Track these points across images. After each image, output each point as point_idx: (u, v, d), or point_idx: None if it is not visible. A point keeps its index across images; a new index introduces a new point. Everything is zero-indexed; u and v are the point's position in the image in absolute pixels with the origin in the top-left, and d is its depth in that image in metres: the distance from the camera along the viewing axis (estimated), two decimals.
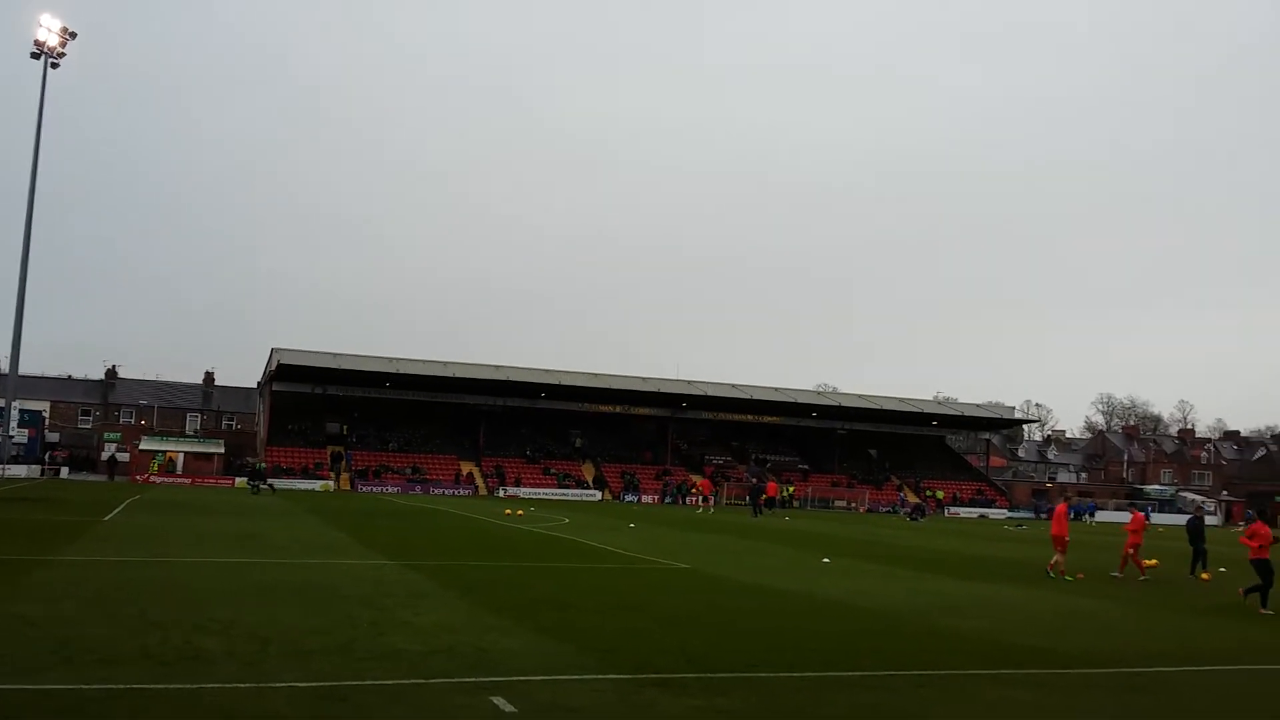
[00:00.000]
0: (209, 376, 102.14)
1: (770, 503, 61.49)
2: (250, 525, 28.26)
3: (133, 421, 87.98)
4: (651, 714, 8.27)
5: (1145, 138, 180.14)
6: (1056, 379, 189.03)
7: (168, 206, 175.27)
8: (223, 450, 72.06)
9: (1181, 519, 63.39)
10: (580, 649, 10.77)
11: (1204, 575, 23.31)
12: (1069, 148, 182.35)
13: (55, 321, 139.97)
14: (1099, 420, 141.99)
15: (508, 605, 13.93)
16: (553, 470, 74.80)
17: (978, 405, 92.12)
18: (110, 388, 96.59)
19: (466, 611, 13.27)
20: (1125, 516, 77.56)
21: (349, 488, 66.61)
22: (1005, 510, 78.90)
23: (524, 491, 68.23)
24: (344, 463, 70.54)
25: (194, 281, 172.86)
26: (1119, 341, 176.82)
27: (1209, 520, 53.13)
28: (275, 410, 73.42)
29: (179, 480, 65.91)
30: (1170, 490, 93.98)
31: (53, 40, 39.41)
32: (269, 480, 57.52)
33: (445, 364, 73.01)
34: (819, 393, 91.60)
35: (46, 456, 69.42)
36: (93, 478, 65.44)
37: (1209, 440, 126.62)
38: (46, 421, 77.98)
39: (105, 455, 70.60)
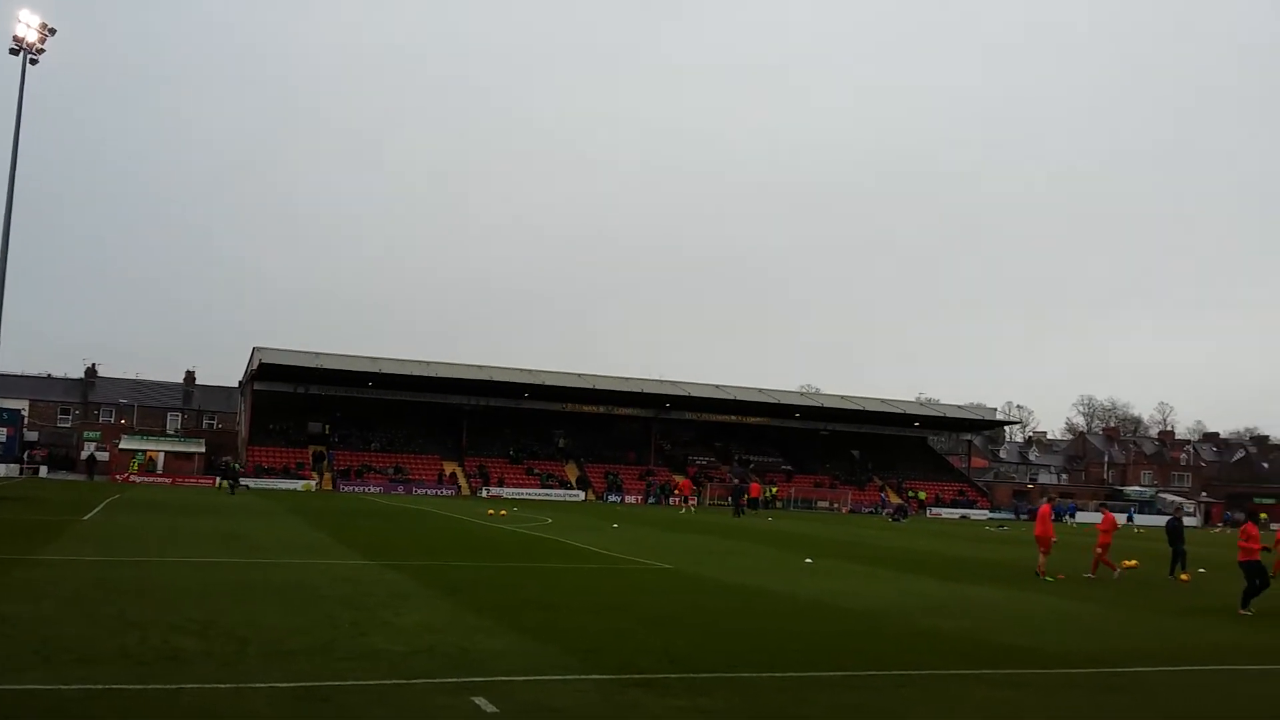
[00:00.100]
0: (190, 375, 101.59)
1: (753, 503, 61.66)
2: (231, 525, 28.11)
3: (112, 420, 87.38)
4: (634, 714, 8.26)
5: (1124, 142, 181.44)
6: (1038, 381, 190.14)
7: (149, 204, 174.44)
8: (203, 450, 71.71)
9: (1161, 520, 63.98)
10: (563, 649, 10.75)
11: (1183, 576, 23.46)
12: (1050, 152, 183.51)
13: (34, 320, 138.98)
14: (1080, 422, 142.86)
15: (490, 605, 13.90)
16: (536, 470, 74.72)
17: (960, 406, 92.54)
18: (90, 386, 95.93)
19: (448, 612, 13.23)
20: (1099, 518, 77.99)
21: (331, 487, 66.35)
22: (987, 511, 79.26)
23: (507, 492, 68.13)
24: (326, 462, 70.26)
25: (175, 280, 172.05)
26: (1100, 344, 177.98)
27: (1188, 521, 53.63)
28: (257, 410, 73.07)
29: (159, 480, 65.54)
30: (1150, 491, 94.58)
31: (31, 36, 39.10)
32: (241, 480, 56.59)
33: (428, 364, 72.82)
34: (802, 393, 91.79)
35: (25, 455, 68.83)
36: (72, 477, 65.01)
37: (1188, 442, 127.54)
38: (25, 420, 77.27)
39: (85, 454, 70.17)
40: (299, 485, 64.65)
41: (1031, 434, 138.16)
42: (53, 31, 40.28)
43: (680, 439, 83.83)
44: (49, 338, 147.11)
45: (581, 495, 71.23)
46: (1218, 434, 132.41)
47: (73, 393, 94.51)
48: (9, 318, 73.03)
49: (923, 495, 79.07)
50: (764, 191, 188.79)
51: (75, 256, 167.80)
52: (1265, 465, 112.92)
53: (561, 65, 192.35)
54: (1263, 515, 26.19)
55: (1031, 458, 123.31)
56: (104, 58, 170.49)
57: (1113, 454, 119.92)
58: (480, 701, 8.19)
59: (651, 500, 70.51)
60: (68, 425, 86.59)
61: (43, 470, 66.65)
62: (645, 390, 76.13)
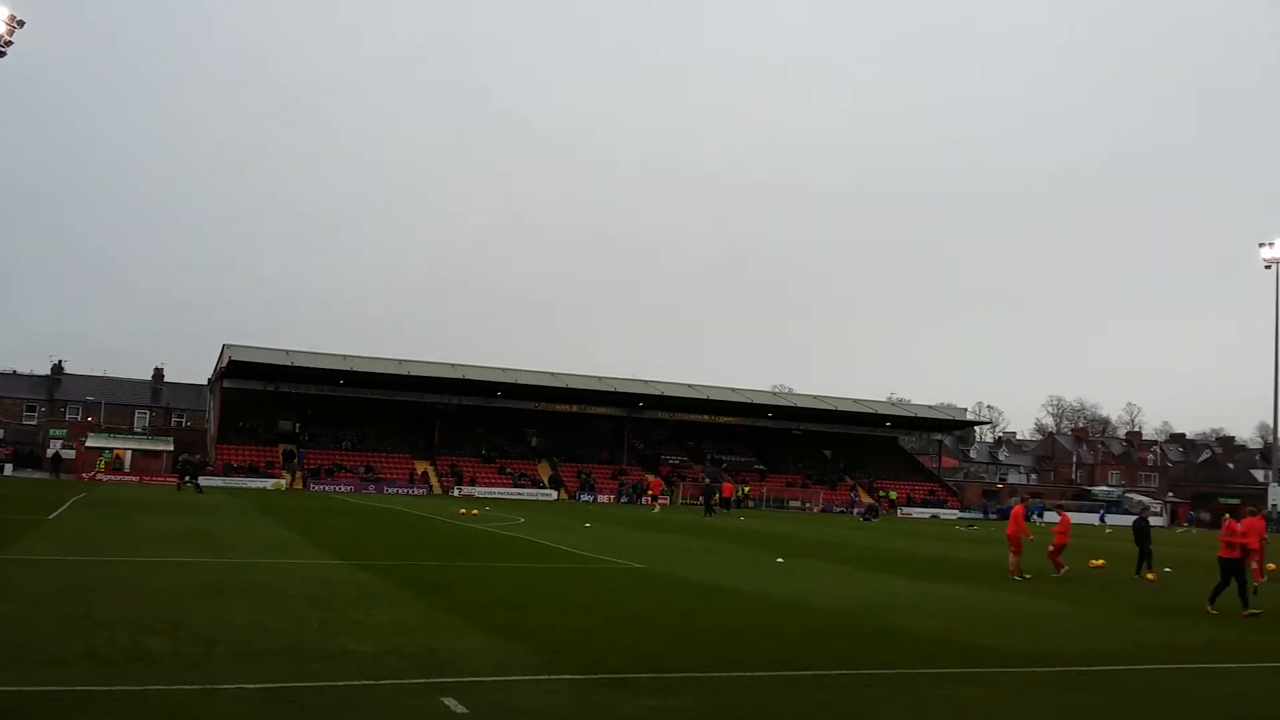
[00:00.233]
0: (158, 373, 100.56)
1: (725, 503, 61.78)
2: (199, 524, 27.87)
3: (79, 418, 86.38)
4: (605, 714, 8.27)
5: (1095, 146, 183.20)
6: (1008, 381, 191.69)
7: (117, 199, 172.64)
8: (172, 448, 71.07)
9: (1128, 520, 64.67)
10: (533, 649, 10.74)
11: (1149, 575, 23.70)
12: (1022, 156, 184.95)
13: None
14: (1049, 422, 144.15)
15: (461, 605, 13.87)
16: (508, 469, 74.55)
17: (930, 407, 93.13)
18: (56, 383, 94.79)
19: (419, 612, 13.19)
20: (1071, 517, 78.71)
21: (301, 487, 65.92)
22: (957, 510, 79.84)
23: (479, 491, 67.94)
24: (296, 461, 69.79)
25: (143, 276, 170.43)
26: (1069, 345, 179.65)
27: (1154, 521, 54.19)
28: (226, 407, 72.49)
29: (126, 478, 64.88)
30: (1117, 492, 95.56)
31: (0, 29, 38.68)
32: (198, 478, 54.39)
33: (400, 362, 72.50)
34: (775, 393, 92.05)
35: None
36: (37, 475, 64.21)
37: (1155, 443, 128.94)
38: None
39: (50, 452, 69.33)
40: (269, 484, 64.17)
41: (1001, 434, 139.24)
42: (21, 24, 39.80)
43: (653, 438, 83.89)
44: (14, 334, 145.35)
45: (554, 494, 71.14)
46: (1184, 435, 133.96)
47: (39, 389, 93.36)
48: None
49: (894, 495, 79.52)
50: (739, 192, 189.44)
51: (42, 252, 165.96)
52: (1230, 466, 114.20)
53: (538, 63, 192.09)
54: (1226, 515, 26.49)
55: (1001, 458, 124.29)
56: (72, 49, 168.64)
57: (1081, 454, 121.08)
58: (450, 702, 8.17)
59: (624, 499, 70.51)
60: (33, 422, 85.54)
61: (7, 468, 65.82)
62: (618, 389, 76.14)
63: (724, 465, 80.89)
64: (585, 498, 70.80)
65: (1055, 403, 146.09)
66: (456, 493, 66.94)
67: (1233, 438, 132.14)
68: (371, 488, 66.35)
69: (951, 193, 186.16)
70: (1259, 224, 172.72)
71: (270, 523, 30.02)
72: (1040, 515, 69.33)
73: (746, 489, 72.46)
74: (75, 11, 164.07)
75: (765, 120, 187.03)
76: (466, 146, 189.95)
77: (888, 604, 16.44)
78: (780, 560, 24.20)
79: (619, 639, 11.75)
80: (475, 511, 42.61)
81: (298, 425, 74.47)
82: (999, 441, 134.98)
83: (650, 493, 62.33)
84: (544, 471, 76.20)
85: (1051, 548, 23.21)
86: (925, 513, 77.03)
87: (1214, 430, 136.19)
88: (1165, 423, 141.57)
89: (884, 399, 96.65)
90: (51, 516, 28.24)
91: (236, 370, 68.62)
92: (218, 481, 63.11)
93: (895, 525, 54.85)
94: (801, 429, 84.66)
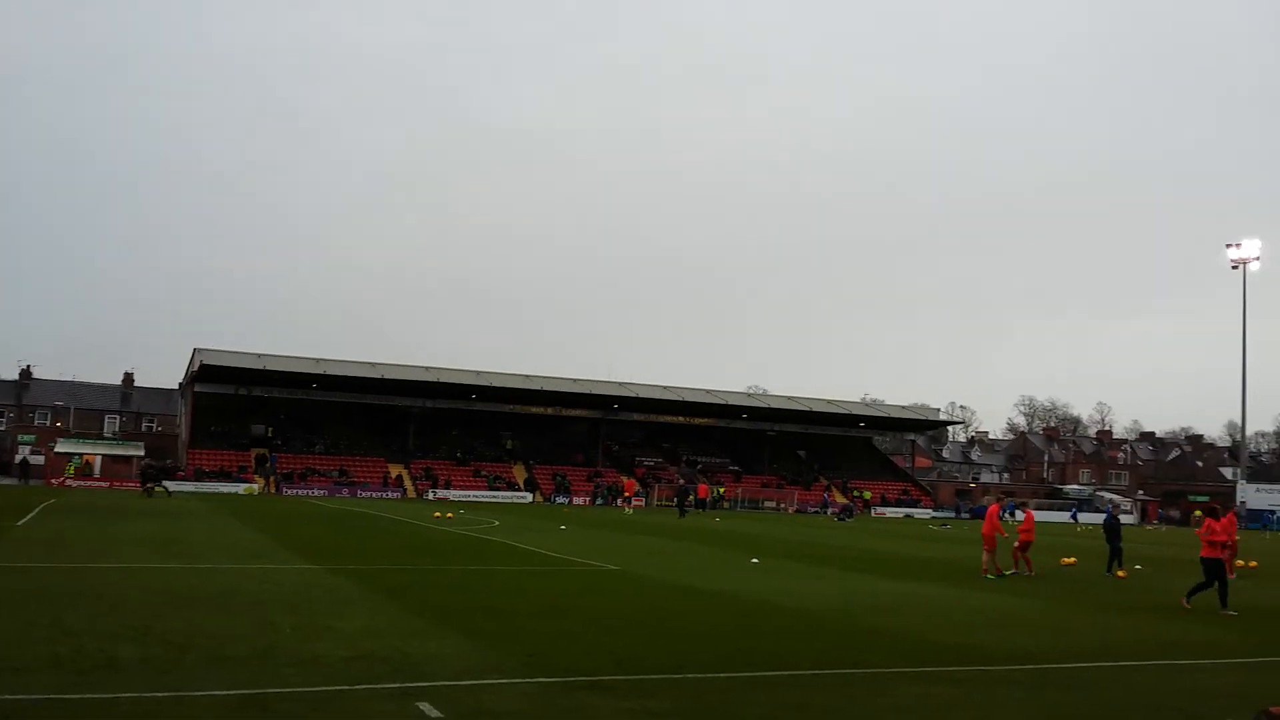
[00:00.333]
0: (128, 377, 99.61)
1: (701, 504, 61.87)
2: (170, 530, 27.63)
3: (48, 423, 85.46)
4: (580, 717, 8.26)
5: (1066, 149, 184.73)
6: (981, 381, 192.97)
7: (84, 201, 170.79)
8: (142, 453, 70.33)
9: (1099, 517, 65.30)
10: (508, 652, 10.71)
11: (1120, 573, 23.92)
12: (993, 158, 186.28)
13: None
14: (1021, 422, 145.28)
15: (435, 609, 13.82)
16: (483, 472, 74.31)
17: (904, 407, 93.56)
18: (24, 388, 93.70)
19: (392, 616, 13.12)
20: (1044, 516, 79.63)
21: (274, 491, 65.44)
22: (930, 510, 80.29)
23: (454, 494, 67.67)
24: (269, 465, 69.26)
25: (114, 279, 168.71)
26: (1040, 345, 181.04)
27: (1125, 519, 54.73)
28: (197, 412, 71.86)
29: (96, 484, 64.20)
30: (1089, 490, 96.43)
31: None
32: (151, 484, 52.13)
33: (373, 365, 72.13)
34: (749, 394, 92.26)
35: None
36: (5, 481, 63.43)
37: (1126, 441, 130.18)
38: None
39: (19, 458, 68.49)
40: (241, 489, 63.68)
41: (974, 434, 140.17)
42: None
43: (628, 440, 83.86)
44: None
45: (529, 497, 70.98)
46: (1154, 434, 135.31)
47: (6, 395, 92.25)
48: None
49: (868, 495, 79.87)
50: (715, 194, 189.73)
51: (9, 254, 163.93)
52: (1199, 464, 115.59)
53: (511, 64, 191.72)
54: (1196, 513, 26.81)
55: (974, 457, 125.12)
56: (40, 47, 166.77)
57: (1053, 453, 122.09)
58: (424, 707, 8.13)
59: (600, 501, 70.44)
60: (1, 428, 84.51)
61: None
62: (593, 391, 76.07)
63: (699, 466, 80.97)
64: (560, 500, 70.68)
65: (1027, 402, 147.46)
66: (431, 496, 66.63)
67: (1201, 436, 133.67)
68: (345, 492, 65.94)
69: (927, 195, 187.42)
70: (1227, 225, 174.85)
71: (242, 528, 29.79)
72: (1012, 514, 70.07)
73: (722, 490, 72.61)
74: (42, 10, 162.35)
75: (741, 122, 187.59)
76: (439, 147, 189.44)
77: (862, 603, 16.51)
78: (755, 561, 24.25)
79: (594, 641, 11.74)
80: (450, 515, 42.42)
81: (270, 429, 73.91)
82: (972, 441, 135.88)
83: (625, 494, 62.32)
84: (519, 474, 76.02)
85: (1017, 545, 23.37)
86: (899, 512, 77.41)
87: (1183, 429, 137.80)
88: (1135, 421, 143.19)
89: (858, 400, 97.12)
90: (20, 523, 27.88)
91: (208, 374, 68.05)
92: (189, 486, 62.51)
93: (869, 525, 55.10)
94: (776, 430, 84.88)
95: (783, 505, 75.06)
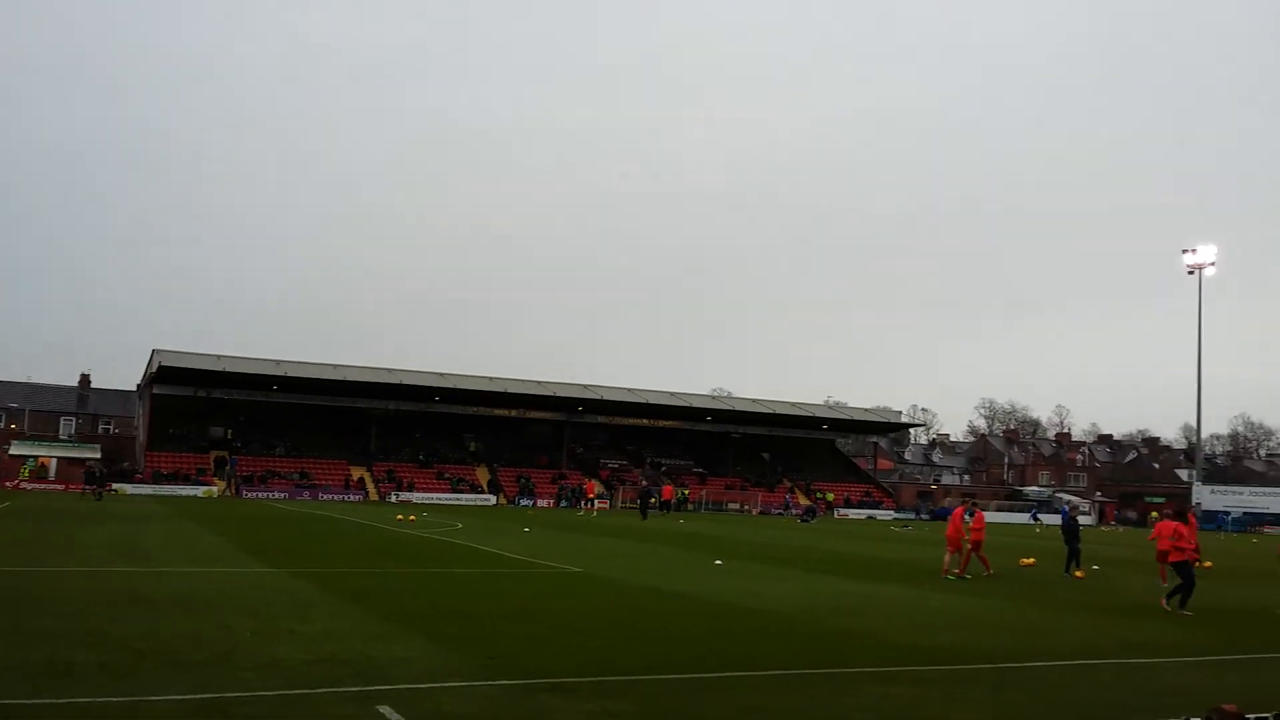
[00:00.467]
0: (85, 379, 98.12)
1: (665, 506, 61.96)
2: (128, 533, 27.27)
3: (2, 425, 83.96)
4: (541, 719, 8.24)
5: (1027, 151, 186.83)
6: (942, 385, 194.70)
7: (40, 199, 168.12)
8: (99, 455, 69.34)
9: (1056, 519, 66.20)
10: (471, 655, 10.67)
11: (1078, 573, 24.20)
12: (957, 162, 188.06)
13: None
14: (981, 424, 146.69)
15: (397, 612, 13.73)
16: (446, 475, 73.94)
17: (866, 410, 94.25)
18: None
19: (354, 619, 13.03)
20: (1004, 517, 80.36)
21: (234, 494, 64.74)
22: (892, 511, 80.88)
23: (417, 496, 67.28)
24: (229, 468, 68.51)
25: (70, 279, 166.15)
26: (1001, 348, 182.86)
27: (1083, 520, 55.41)
28: (156, 414, 70.93)
29: (52, 486, 63.19)
30: (1048, 491, 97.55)
31: None
32: (101, 488, 51.52)
33: (335, 366, 71.57)
34: (714, 397, 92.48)
35: None
36: None
37: (1084, 443, 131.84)
38: None
39: None
40: (200, 491, 62.93)
41: (935, 436, 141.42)
42: None
43: (593, 443, 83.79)
44: None
45: (493, 499, 70.73)
46: (1111, 436, 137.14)
47: None
48: None
49: (831, 496, 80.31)
50: (679, 198, 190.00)
51: None
52: (1156, 466, 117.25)
53: (464, 64, 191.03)
54: (1153, 515, 27.22)
55: (935, 459, 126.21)
56: None
57: (1012, 455, 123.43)
58: (386, 710, 8.08)
59: (564, 504, 70.33)
60: None
61: None
62: (557, 394, 75.93)
63: (664, 469, 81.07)
64: (525, 502, 70.48)
65: (987, 405, 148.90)
66: (394, 499, 66.21)
67: (1158, 438, 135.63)
68: (306, 494, 65.37)
69: (887, 199, 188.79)
70: (1183, 230, 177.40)
71: (202, 531, 29.46)
72: (971, 515, 70.75)
73: (686, 492, 72.76)
74: (4, 8, 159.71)
75: (702, 125, 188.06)
76: (400, 148, 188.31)
77: (825, 604, 16.60)
78: (719, 562, 24.32)
79: (557, 643, 11.72)
80: (413, 518, 42.19)
81: (230, 431, 73.12)
82: (933, 443, 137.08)
83: (587, 495, 62.41)
84: (482, 476, 75.71)
85: (969, 544, 23.53)
86: (861, 514, 77.92)
87: (1140, 431, 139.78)
88: (1093, 424, 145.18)
89: (821, 402, 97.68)
90: None
91: (166, 376, 67.20)
92: (147, 489, 61.77)
93: (832, 526, 55.40)
94: (740, 432, 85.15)
95: (746, 507, 75.30)
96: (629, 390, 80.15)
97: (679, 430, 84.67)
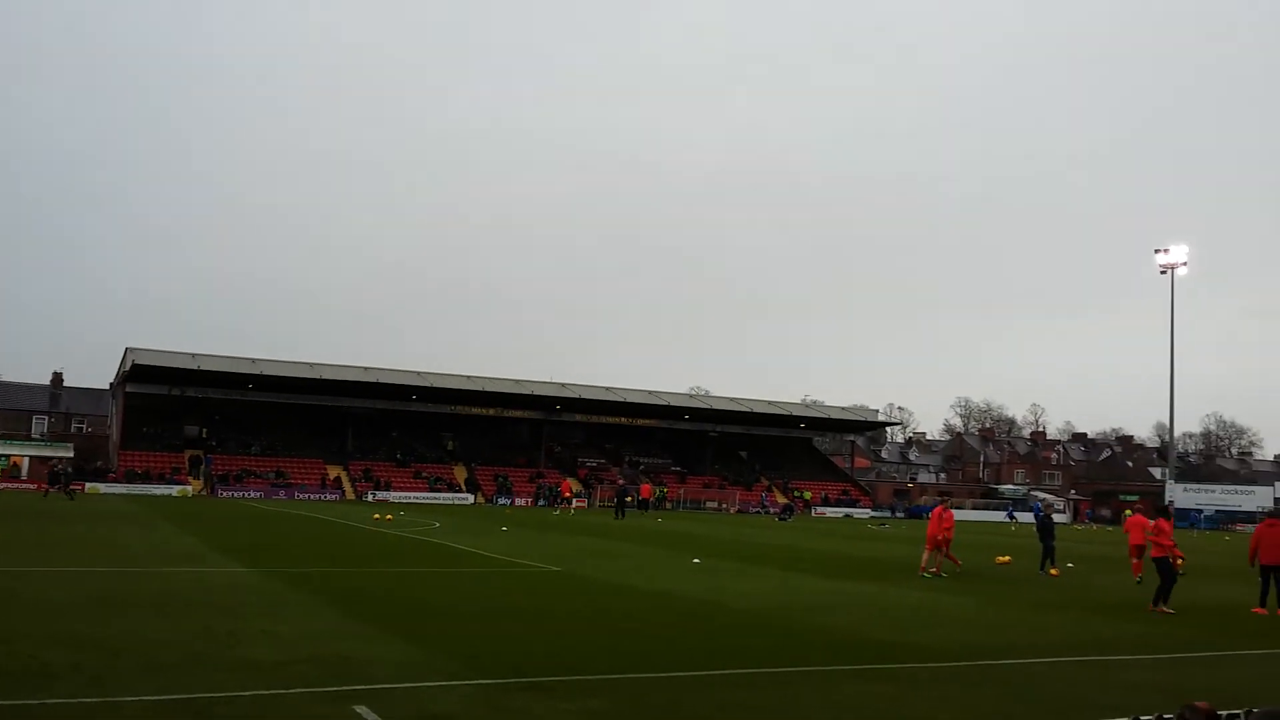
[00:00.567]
0: (57, 377, 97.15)
1: (644, 504, 61.99)
2: (102, 533, 27.04)
3: None
4: (519, 718, 8.22)
5: (1003, 151, 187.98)
6: (918, 383, 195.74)
7: (11, 196, 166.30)
8: (72, 454, 68.75)
9: (1029, 517, 66.81)
10: (448, 655, 10.64)
11: (1053, 571, 24.39)
12: (933, 159, 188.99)
13: None
14: (957, 423, 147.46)
15: (374, 612, 13.68)
16: (424, 474, 73.69)
17: (843, 408, 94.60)
18: None
19: (330, 619, 12.97)
20: (980, 515, 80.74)
21: (209, 493, 64.31)
22: (869, 510, 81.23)
23: (394, 495, 67.03)
24: (203, 467, 68.04)
25: (42, 276, 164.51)
26: (976, 347, 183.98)
27: (1058, 518, 55.90)
28: (129, 412, 70.35)
29: (24, 486, 62.57)
30: (1023, 489, 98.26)
31: None
32: (67, 486, 51.13)
33: (311, 365, 71.19)
34: (691, 396, 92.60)
35: None
36: None
37: (1058, 442, 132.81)
38: None
39: None
40: (175, 491, 62.48)
41: (912, 435, 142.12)
42: None
43: (570, 441, 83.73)
44: None
45: (470, 498, 70.56)
46: (1086, 434, 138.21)
47: None
48: None
49: (808, 495, 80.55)
50: (653, 193, 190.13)
51: None
52: (1130, 464, 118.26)
53: (436, 62, 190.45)
54: (1127, 511, 27.48)
55: (912, 457, 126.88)
56: None
57: (988, 454, 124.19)
58: (363, 710, 8.05)
59: (542, 503, 70.24)
60: None
61: None
62: (535, 392, 75.82)
63: (641, 467, 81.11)
64: (503, 501, 70.35)
65: (963, 404, 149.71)
66: (370, 498, 65.94)
67: (1131, 437, 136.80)
68: (282, 493, 65.01)
69: (862, 196, 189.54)
70: (1156, 230, 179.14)
71: (176, 531, 29.25)
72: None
73: (664, 490, 72.84)
74: None
75: (680, 120, 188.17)
76: (375, 143, 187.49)
77: (802, 602, 16.66)
78: (697, 561, 24.35)
79: (535, 643, 11.71)
80: (389, 517, 42.03)
81: (204, 430, 72.63)
82: (909, 442, 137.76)
83: (562, 495, 62.39)
84: (460, 475, 75.50)
85: (941, 541, 23.63)
86: (839, 512, 78.20)
87: (1114, 430, 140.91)
88: (1068, 423, 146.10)
89: (798, 401, 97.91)
90: None
91: (140, 374, 66.66)
92: (120, 489, 61.27)
93: (810, 524, 55.57)
94: (718, 431, 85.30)
95: (724, 505, 75.45)
96: (607, 389, 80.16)
97: (657, 429, 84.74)
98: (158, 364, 65.68)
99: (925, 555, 22.92)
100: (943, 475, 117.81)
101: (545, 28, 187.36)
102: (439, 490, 70.97)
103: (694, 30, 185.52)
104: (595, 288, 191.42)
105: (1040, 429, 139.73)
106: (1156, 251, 77.16)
